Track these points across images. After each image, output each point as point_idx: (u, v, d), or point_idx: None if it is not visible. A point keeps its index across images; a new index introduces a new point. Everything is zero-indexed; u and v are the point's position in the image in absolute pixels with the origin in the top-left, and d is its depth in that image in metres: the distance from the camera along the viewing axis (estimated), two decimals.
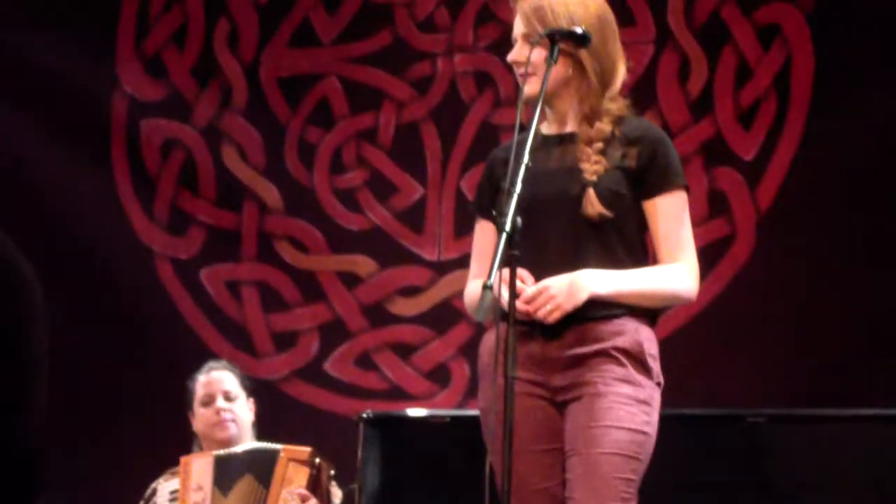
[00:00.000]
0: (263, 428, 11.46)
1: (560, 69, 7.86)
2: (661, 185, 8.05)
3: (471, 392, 10.03)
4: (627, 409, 7.78)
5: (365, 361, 13.56)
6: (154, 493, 10.86)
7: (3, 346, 2.50)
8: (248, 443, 10.97)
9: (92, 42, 14.05)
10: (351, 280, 13.74)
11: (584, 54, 7.90)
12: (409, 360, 13.45)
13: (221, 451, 10.87)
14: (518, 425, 7.50)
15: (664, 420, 8.01)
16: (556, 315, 7.71)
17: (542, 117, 7.98)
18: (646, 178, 8.03)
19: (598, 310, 7.84)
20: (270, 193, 13.67)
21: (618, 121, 8.05)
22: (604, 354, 7.81)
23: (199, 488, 10.69)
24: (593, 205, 7.85)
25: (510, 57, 8.16)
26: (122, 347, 12.96)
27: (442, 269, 13.28)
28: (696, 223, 8.74)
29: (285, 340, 13.66)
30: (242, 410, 11.05)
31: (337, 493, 10.62)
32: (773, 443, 9.71)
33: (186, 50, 14.05)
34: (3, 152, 14.29)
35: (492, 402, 7.68)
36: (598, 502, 7.66)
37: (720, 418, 9.57)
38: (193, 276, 13.84)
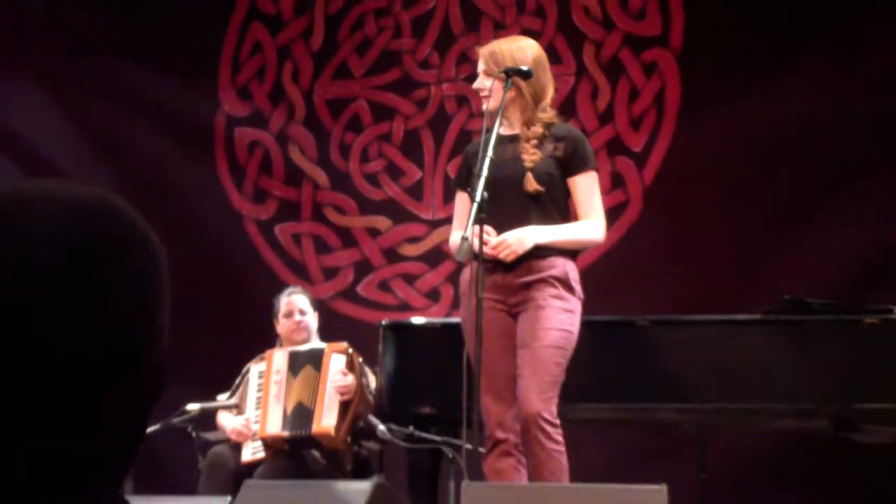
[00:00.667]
0: (321, 331, 12.11)
1: (510, 93, 8.63)
2: (579, 168, 8.98)
3: (454, 306, 10.47)
4: (559, 316, 8.67)
5: (383, 286, 14.00)
6: (248, 371, 11.41)
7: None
8: (313, 342, 11.62)
9: (203, 79, 14.28)
10: (374, 233, 14.09)
11: (522, 83, 8.66)
12: (412, 285, 13.93)
13: (293, 348, 11.55)
14: (486, 329, 8.29)
15: (583, 324, 8.72)
16: (512, 257, 8.61)
17: (500, 124, 8.59)
18: (569, 164, 8.98)
19: (538, 252, 8.69)
20: (320, 176, 14.03)
21: (548, 125, 9.02)
22: (542, 281, 8.75)
23: (278, 371, 11.27)
24: (531, 183, 8.80)
25: (474, 85, 9.21)
26: (223, 280, 13.38)
27: (434, 225, 13.58)
28: (603, 193, 9.32)
29: (330, 273, 14.06)
30: (311, 321, 11.67)
31: (367, 373, 11.17)
32: (656, 341, 10.25)
33: (265, 82, 14.25)
34: (144, 154, 14.64)
35: (468, 314, 8.45)
36: (539, 378, 8.45)
37: (615, 323, 10.02)
38: (270, 231, 14.14)
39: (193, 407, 10.97)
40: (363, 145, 14.14)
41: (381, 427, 10.52)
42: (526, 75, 8.65)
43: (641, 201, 13.34)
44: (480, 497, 6.66)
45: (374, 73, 14.15)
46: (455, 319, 9.58)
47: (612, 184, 12.23)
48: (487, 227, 8.50)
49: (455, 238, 8.81)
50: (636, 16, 13.55)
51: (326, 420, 11.02)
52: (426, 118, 14.00)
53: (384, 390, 10.62)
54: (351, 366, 11.26)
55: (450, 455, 9.79)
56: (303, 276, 13.85)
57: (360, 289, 14.03)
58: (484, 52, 9.00)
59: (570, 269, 8.81)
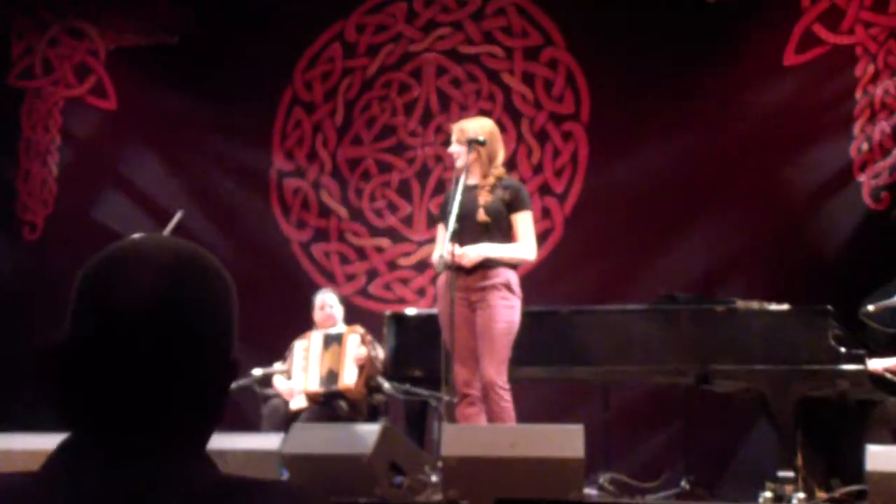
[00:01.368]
0: (345, 319, 12.10)
1: (472, 155, 8.80)
2: (518, 208, 8.98)
3: (435, 301, 10.53)
4: (505, 311, 8.78)
5: (387, 287, 13.84)
6: (293, 347, 11.62)
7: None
8: (338, 327, 11.71)
9: (262, 146, 14.14)
10: (379, 250, 13.87)
11: (480, 149, 8.80)
12: (406, 286, 13.76)
13: (325, 331, 11.73)
14: (456, 319, 8.42)
15: (523, 313, 8.80)
16: (469, 264, 8.70)
17: (466, 177, 8.74)
18: (512, 204, 8.92)
19: (489, 264, 8.76)
20: (342, 211, 13.83)
21: (499, 178, 8.99)
22: (493, 287, 8.80)
23: (314, 347, 11.53)
24: (481, 217, 8.77)
25: (449, 150, 9.31)
26: (276, 284, 13.33)
27: (420, 244, 13.39)
28: (536, 222, 9.36)
29: (350, 277, 13.89)
30: (337, 312, 11.92)
31: (376, 347, 11.32)
32: (573, 323, 10.34)
33: (303, 147, 14.07)
34: (222, 197, 14.45)
35: (444, 307, 8.72)
36: (493, 358, 8.69)
37: (545, 312, 10.00)
38: (308, 249, 13.94)
39: (257, 372, 11.31)
40: (371, 190, 13.99)
41: (386, 385, 10.73)
42: (482, 144, 8.85)
43: (563, 227, 13.24)
44: (455, 434, 6.76)
45: (378, 141, 14.01)
46: (434, 311, 9.59)
47: (542, 215, 12.13)
48: (455, 246, 8.65)
49: (436, 254, 8.92)
50: (557, 99, 13.44)
51: (348, 380, 11.32)
52: (414, 171, 13.86)
53: (387, 359, 10.75)
54: (363, 342, 11.58)
55: (433, 404, 9.96)
56: (331, 280, 13.71)
57: (370, 289, 13.88)
58: (455, 127, 9.18)
59: (511, 277, 8.87)
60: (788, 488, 9.27)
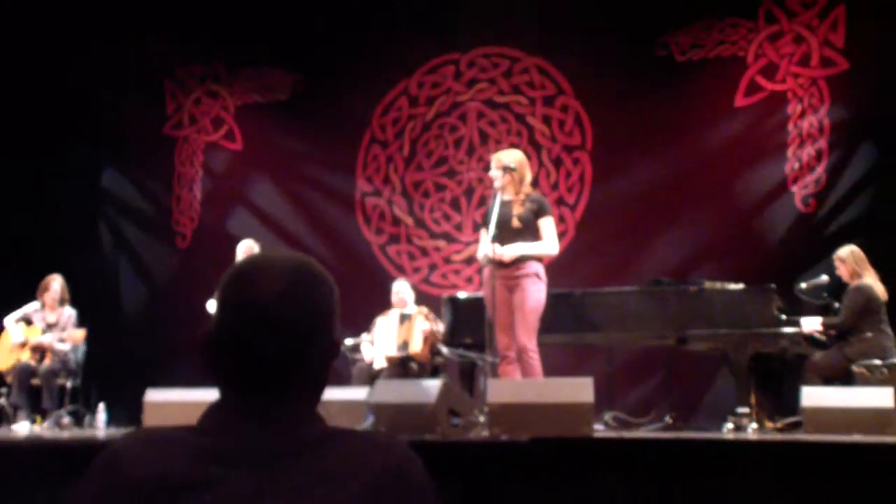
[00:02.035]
0: (416, 301, 12.03)
1: (507, 178, 8.69)
2: (542, 215, 8.77)
3: (479, 286, 10.47)
4: (535, 295, 8.65)
5: (444, 276, 13.79)
6: (375, 322, 11.65)
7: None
8: (409, 307, 11.73)
9: (350, 174, 14.08)
10: (438, 249, 13.77)
11: (513, 173, 8.69)
12: (458, 276, 13.69)
13: (400, 310, 11.91)
14: (497, 299, 8.37)
15: (547, 295, 8.79)
16: (508, 260, 8.54)
17: (503, 194, 8.68)
18: (538, 213, 8.70)
19: (522, 258, 8.60)
20: (409, 221, 13.79)
21: (528, 195, 8.78)
22: (524, 275, 8.61)
23: (392, 323, 11.53)
24: (515, 224, 8.63)
25: (490, 174, 9.02)
26: (362, 276, 13.17)
27: (468, 245, 13.19)
28: (556, 225, 9.01)
29: (417, 270, 13.75)
30: (408, 297, 11.87)
31: (437, 321, 11.33)
32: (584, 302, 10.33)
33: (380, 174, 13.98)
34: (319, 214, 14.36)
35: (487, 291, 8.64)
36: (527, 328, 8.59)
37: (564, 294, 9.88)
38: (384, 250, 13.92)
39: (348, 342, 11.35)
40: (430, 204, 13.90)
41: (445, 350, 10.84)
42: (514, 169, 8.77)
43: (574, 229, 13.20)
44: (497, 386, 6.79)
45: (435, 168, 13.91)
46: (480, 294, 9.57)
47: (559, 220, 12.00)
48: (496, 245, 8.57)
49: (479, 253, 8.90)
50: (567, 134, 13.33)
51: (416, 347, 11.38)
52: (462, 190, 13.76)
53: (445, 331, 10.78)
54: (427, 319, 11.60)
55: (480, 364, 9.99)
56: (401, 272, 13.57)
57: (431, 278, 13.79)
58: (493, 157, 9.03)
59: (538, 268, 8.74)
60: (745, 420, 9.42)
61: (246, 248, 11.49)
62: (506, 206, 8.80)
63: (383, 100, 14.49)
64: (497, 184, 8.91)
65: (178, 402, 7.80)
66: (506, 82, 13.97)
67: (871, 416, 7.28)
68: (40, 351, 11.73)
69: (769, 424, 9.51)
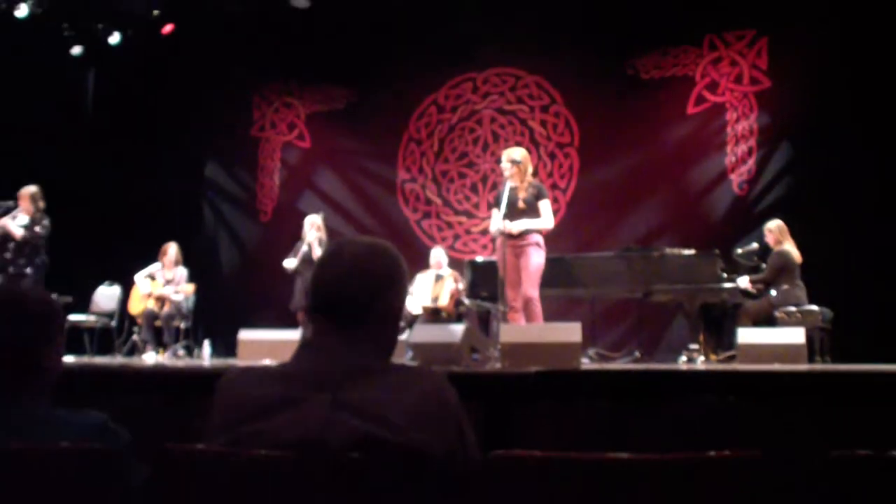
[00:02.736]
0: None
1: (514, 169, 8.58)
2: (541, 198, 8.63)
3: (492, 253, 10.43)
4: (537, 258, 8.58)
5: (465, 245, 13.70)
6: (415, 278, 11.67)
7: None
8: (443, 269, 11.79)
9: (393, 165, 14.11)
10: (460, 223, 13.74)
11: (518, 166, 8.58)
12: (476, 244, 13.59)
13: (435, 271, 11.95)
14: (507, 262, 8.43)
15: (546, 260, 8.82)
16: (515, 232, 8.47)
17: (511, 181, 8.62)
18: (538, 196, 8.60)
19: (526, 231, 8.49)
20: (438, 201, 13.70)
21: (530, 182, 8.67)
22: (528, 244, 8.53)
23: (428, 280, 11.56)
24: (521, 205, 8.48)
25: (501, 166, 8.88)
26: (400, 246, 13.25)
27: (483, 220, 13.08)
28: (552, 205, 8.94)
29: (445, 239, 13.63)
30: (442, 260, 11.90)
31: (461, 279, 11.39)
32: (574, 264, 10.32)
33: (415, 165, 14.03)
34: (370, 198, 14.50)
35: (500, 256, 8.52)
36: (531, 283, 8.53)
37: (558, 258, 9.71)
38: (420, 224, 13.91)
39: None
40: (454, 189, 13.90)
41: (467, 301, 10.88)
42: (519, 162, 8.68)
43: (565, 208, 13.16)
44: (507, 329, 6.80)
45: (458, 161, 13.90)
46: (494, 258, 9.54)
47: (554, 201, 11.71)
48: (505, 221, 8.56)
49: (492, 227, 8.81)
50: (560, 135, 13.33)
51: (443, 302, 11.47)
52: (479, 177, 13.75)
53: (466, 287, 10.84)
54: (455, 280, 11.62)
55: (494, 312, 10.04)
56: (433, 242, 13.50)
57: (456, 246, 13.67)
58: (504, 153, 8.87)
59: (539, 238, 8.66)
60: (695, 354, 9.51)
61: (312, 221, 11.55)
62: (513, 191, 8.71)
63: (418, 108, 14.47)
64: (506, 174, 8.79)
65: (263, 339, 7.95)
66: (512, 95, 13.99)
67: (788, 350, 7.36)
68: (161, 300, 11.98)
69: (713, 357, 9.61)
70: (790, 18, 12.10)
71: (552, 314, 9.93)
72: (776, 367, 6.48)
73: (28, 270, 10.48)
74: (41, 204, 10.74)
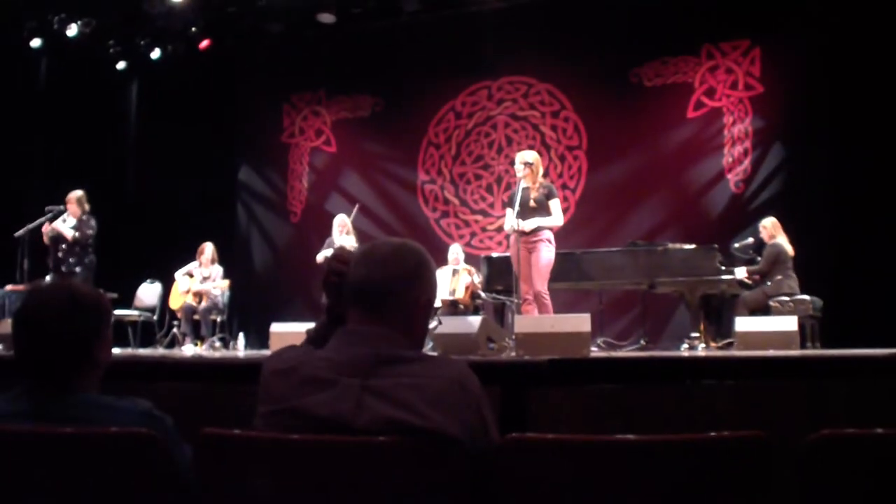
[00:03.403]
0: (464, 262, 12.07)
1: (526, 171, 8.52)
2: (551, 197, 8.61)
3: (507, 249, 10.42)
4: (548, 253, 8.59)
5: (481, 241, 13.67)
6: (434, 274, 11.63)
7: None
8: (461, 265, 11.83)
9: (413, 168, 14.15)
10: (476, 222, 13.72)
11: (530, 168, 8.53)
12: (491, 241, 13.57)
13: (453, 266, 11.86)
14: (520, 258, 8.42)
15: (556, 254, 8.81)
16: (528, 230, 8.44)
17: (523, 182, 8.54)
18: (548, 196, 8.58)
19: (537, 229, 8.47)
20: (456, 202, 13.70)
21: (542, 182, 8.63)
22: (539, 240, 8.52)
23: (446, 275, 11.57)
24: (532, 204, 8.44)
25: (514, 167, 8.77)
26: (420, 242, 13.33)
27: (498, 218, 13.01)
28: (562, 204, 8.97)
29: (462, 237, 13.61)
30: (461, 257, 11.96)
31: (477, 274, 11.40)
32: (581, 259, 10.25)
33: (434, 168, 14.06)
34: (392, 197, 14.45)
35: (513, 252, 8.53)
36: (541, 278, 8.55)
37: (567, 253, 9.75)
38: (439, 223, 13.88)
39: None
40: (471, 189, 13.87)
41: (483, 295, 10.84)
42: (531, 164, 8.66)
43: (575, 207, 13.14)
44: (521, 320, 6.78)
45: (474, 163, 13.88)
46: (508, 254, 9.49)
47: (564, 200, 11.77)
48: (518, 219, 8.53)
49: (506, 224, 8.85)
50: (569, 138, 13.32)
51: (460, 294, 11.55)
52: (494, 178, 13.74)
53: (483, 281, 10.80)
54: (470, 274, 11.67)
55: (509, 304, 10.03)
56: (451, 239, 13.52)
57: (472, 242, 13.66)
58: (517, 156, 8.83)
59: (550, 235, 8.66)
60: (696, 342, 9.48)
61: (339, 221, 11.54)
62: (526, 191, 8.66)
63: (437, 115, 14.44)
64: (519, 175, 8.72)
65: (294, 332, 7.91)
66: (524, 101, 13.96)
67: (782, 337, 7.32)
68: (199, 296, 12.03)
69: (713, 344, 9.57)
70: (781, 29, 12.20)
71: (563, 306, 9.99)
72: (771, 352, 6.46)
73: (78, 269, 10.65)
74: (87, 206, 10.93)
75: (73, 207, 10.83)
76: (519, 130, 13.96)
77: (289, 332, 7.94)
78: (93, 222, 10.85)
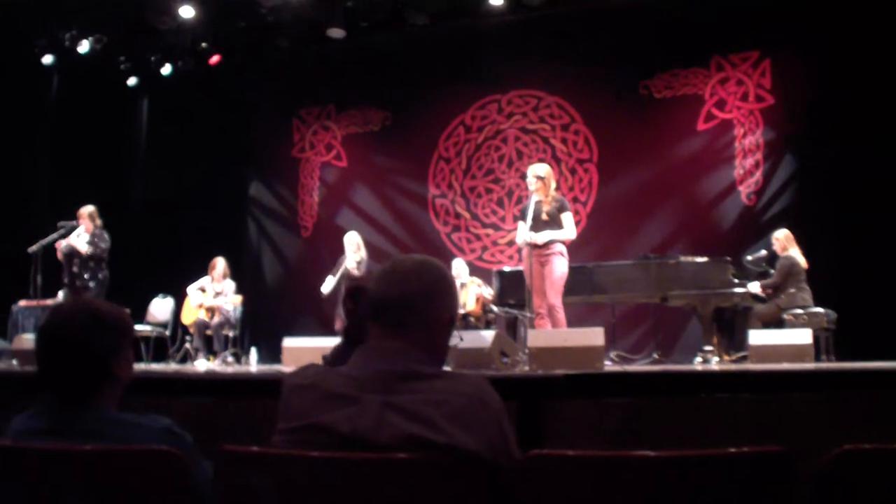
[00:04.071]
0: (471, 274, 12.11)
1: (538, 184, 8.59)
2: (564, 210, 8.60)
3: (519, 263, 10.45)
4: (561, 267, 8.59)
5: (492, 255, 13.68)
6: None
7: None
8: (468, 279, 11.83)
9: (424, 182, 14.12)
10: (488, 235, 13.70)
11: (542, 181, 8.57)
12: (503, 255, 13.57)
13: (460, 280, 11.77)
14: (533, 271, 8.40)
15: (569, 268, 8.81)
16: (540, 243, 8.45)
17: (535, 196, 8.60)
18: (560, 209, 8.56)
19: (550, 242, 8.47)
20: (467, 214, 13.72)
21: (553, 196, 8.63)
22: (552, 253, 8.52)
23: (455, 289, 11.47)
24: (545, 217, 8.44)
25: (527, 181, 8.87)
26: (431, 256, 13.35)
27: (510, 232, 13.11)
28: (573, 217, 8.91)
29: (473, 250, 13.69)
30: (464, 271, 11.86)
31: (486, 288, 11.45)
32: (594, 273, 10.25)
33: (444, 182, 13.98)
34: (402, 211, 14.49)
35: (526, 266, 8.46)
36: (554, 291, 8.54)
37: (580, 266, 9.68)
38: (450, 237, 13.92)
39: None
40: (482, 203, 13.88)
41: (496, 308, 10.82)
42: (543, 178, 8.70)
43: (586, 220, 13.12)
44: (534, 334, 6.80)
45: (485, 177, 13.87)
46: (520, 268, 9.57)
47: (575, 213, 11.68)
48: (531, 232, 8.55)
49: (518, 238, 8.81)
50: (580, 151, 13.35)
51: (470, 307, 11.64)
52: (504, 192, 13.76)
53: (495, 295, 10.80)
54: (478, 286, 11.65)
55: (521, 318, 10.01)
56: (462, 253, 13.58)
57: (484, 256, 13.71)
58: (529, 169, 8.88)
59: (562, 248, 8.67)
60: (709, 355, 9.47)
61: (350, 237, 11.58)
62: (538, 204, 8.71)
63: (447, 129, 14.47)
64: (531, 188, 8.80)
65: (306, 346, 7.94)
66: (534, 115, 13.99)
67: (796, 350, 7.36)
68: (211, 311, 12.08)
69: (726, 357, 9.57)
70: (790, 40, 12.26)
71: (575, 319, 9.98)
72: (785, 366, 6.48)
73: (91, 284, 10.69)
74: (98, 221, 10.98)
75: (85, 222, 10.88)
76: (529, 144, 13.97)
77: (301, 346, 7.96)
78: (106, 236, 10.91)
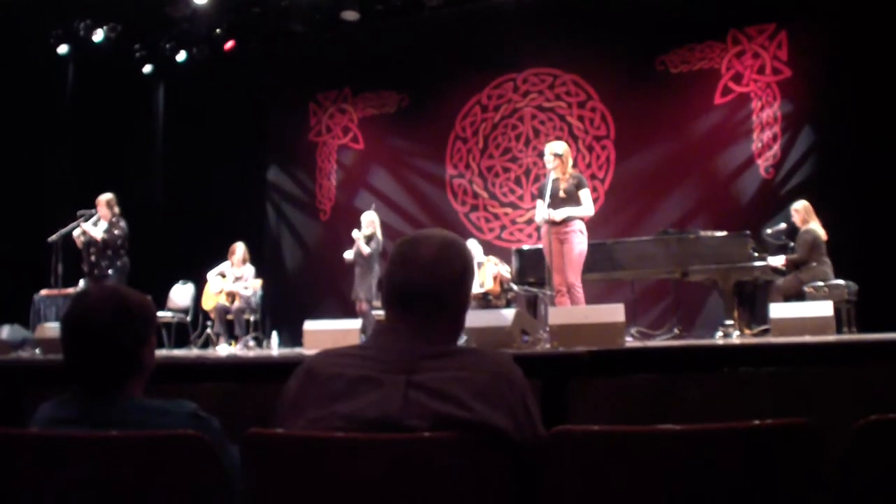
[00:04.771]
0: (489, 253, 12.12)
1: (556, 162, 8.58)
2: (581, 187, 8.57)
3: (538, 241, 10.46)
4: (580, 244, 8.54)
5: (511, 234, 13.71)
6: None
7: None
8: (485, 258, 11.82)
9: (442, 164, 14.21)
10: (506, 214, 13.76)
11: (560, 159, 8.56)
12: (522, 233, 13.59)
13: (478, 259, 11.73)
14: (553, 249, 8.42)
15: (588, 245, 8.82)
16: (559, 220, 8.39)
17: (553, 174, 8.64)
18: (578, 186, 8.55)
19: (568, 219, 8.43)
20: (485, 194, 13.76)
21: (571, 173, 8.61)
22: (571, 231, 8.47)
23: (476, 266, 11.48)
24: (562, 195, 8.41)
25: (545, 159, 8.86)
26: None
27: (528, 210, 13.04)
28: (591, 194, 8.87)
29: (492, 230, 13.70)
30: (477, 250, 11.83)
31: (503, 266, 11.46)
32: (613, 249, 10.26)
33: (462, 162, 14.02)
34: (422, 193, 14.55)
35: (545, 243, 8.54)
36: (573, 270, 8.53)
37: (599, 243, 9.65)
38: (469, 216, 13.93)
39: None
40: (500, 182, 13.90)
41: (516, 287, 10.81)
42: (560, 156, 8.68)
43: (604, 197, 13.11)
44: (554, 312, 6.78)
45: (502, 156, 13.91)
46: (539, 246, 9.55)
47: (593, 190, 11.65)
48: (550, 209, 8.55)
49: (537, 216, 8.78)
50: (597, 129, 13.35)
51: (489, 285, 11.64)
52: (522, 171, 13.76)
53: (514, 273, 10.77)
54: (495, 264, 11.68)
55: (541, 296, 10.01)
56: (480, 233, 13.65)
57: (503, 235, 13.72)
58: (546, 147, 8.87)
59: (581, 225, 8.63)
60: (730, 329, 9.45)
61: (368, 218, 11.73)
62: (556, 182, 8.71)
63: (463, 109, 14.47)
64: (549, 166, 8.82)
65: (327, 329, 7.98)
66: (550, 93, 13.97)
67: (817, 323, 7.31)
68: (232, 296, 12.13)
69: (747, 331, 9.56)
70: (807, 11, 12.19)
71: (595, 296, 10.01)
72: (807, 338, 6.45)
73: (110, 272, 10.70)
74: (116, 209, 10.96)
75: (102, 210, 10.88)
76: (546, 122, 13.95)
77: (322, 329, 7.99)
78: (123, 224, 10.88)
